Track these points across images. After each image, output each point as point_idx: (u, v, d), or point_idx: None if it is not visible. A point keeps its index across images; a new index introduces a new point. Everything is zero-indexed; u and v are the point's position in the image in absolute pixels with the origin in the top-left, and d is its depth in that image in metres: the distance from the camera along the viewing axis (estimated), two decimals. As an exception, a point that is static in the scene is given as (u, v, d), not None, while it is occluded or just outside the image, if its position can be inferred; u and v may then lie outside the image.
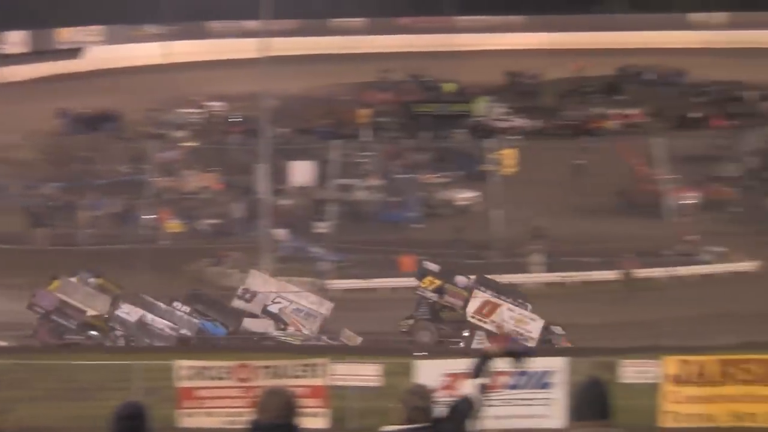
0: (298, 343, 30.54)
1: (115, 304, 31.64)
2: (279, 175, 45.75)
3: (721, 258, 39.74)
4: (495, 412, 21.24)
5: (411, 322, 31.55)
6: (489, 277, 31.71)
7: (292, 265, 40.12)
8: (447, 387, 19.88)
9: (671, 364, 22.64)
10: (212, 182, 49.38)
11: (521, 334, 29.11)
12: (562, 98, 68.68)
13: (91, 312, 31.52)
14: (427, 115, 59.65)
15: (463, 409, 6.98)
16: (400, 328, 31.77)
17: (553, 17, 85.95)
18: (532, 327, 29.39)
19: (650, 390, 22.52)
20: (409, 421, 6.69)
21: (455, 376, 19.58)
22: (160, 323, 31.03)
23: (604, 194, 46.78)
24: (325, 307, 32.15)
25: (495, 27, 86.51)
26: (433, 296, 31.25)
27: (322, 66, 66.22)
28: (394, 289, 37.83)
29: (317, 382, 23.12)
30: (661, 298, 35.00)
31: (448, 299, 31.13)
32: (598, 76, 71.91)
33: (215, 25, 75.95)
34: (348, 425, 22.95)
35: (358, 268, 39.05)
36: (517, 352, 7.24)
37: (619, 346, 28.72)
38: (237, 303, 32.10)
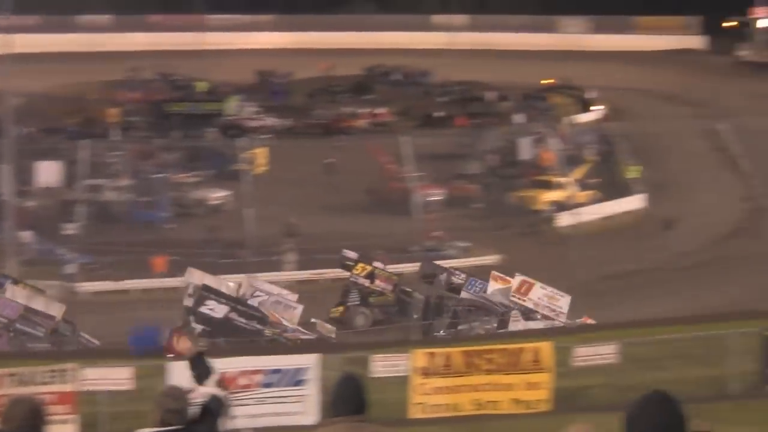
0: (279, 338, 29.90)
1: (199, 300, 30.08)
2: (24, 176, 44.34)
3: (465, 252, 41.26)
4: (248, 411, 21.47)
5: (341, 309, 32.20)
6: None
7: (38, 267, 38.99)
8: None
9: (419, 357, 23.39)
10: (-49, 184, 47.30)
11: (554, 311, 30.10)
12: (311, 97, 69.55)
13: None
14: (178, 114, 59.16)
15: (215, 409, 6.96)
16: (331, 314, 32.16)
17: (301, 17, 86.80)
18: (561, 303, 30.33)
19: (401, 383, 23.20)
20: (163, 424, 6.61)
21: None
22: (243, 319, 29.90)
23: (355, 192, 47.75)
24: (295, 298, 31.77)
25: (245, 26, 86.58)
26: (366, 281, 32.21)
27: (68, 64, 64.53)
28: (145, 291, 37.42)
29: (66, 388, 22.65)
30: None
31: (378, 284, 32.17)
32: (346, 76, 73.18)
33: (-48, 19, 72.69)
34: (99, 431, 22.61)
35: (109, 269, 38.39)
36: (201, 367, 7.23)
37: (369, 341, 29.52)
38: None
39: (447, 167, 49.96)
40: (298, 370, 23.13)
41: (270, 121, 62.01)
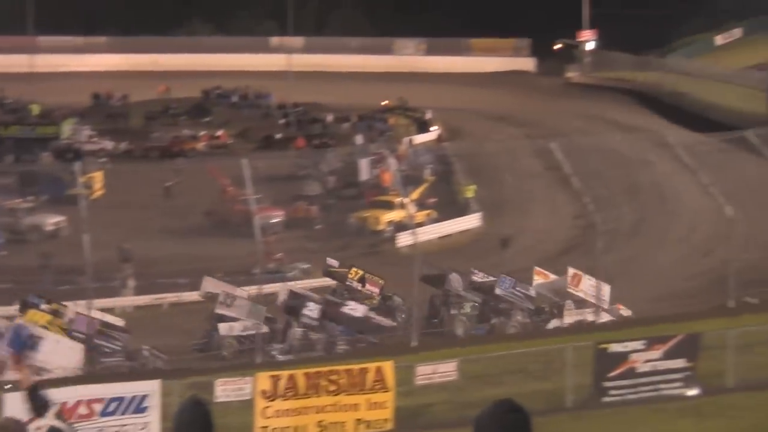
0: None
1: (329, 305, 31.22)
2: None
3: (307, 274, 41.35)
4: (90, 441, 21.12)
5: None
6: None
7: None
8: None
9: (263, 381, 23.38)
10: None
11: (599, 298, 31.55)
12: (149, 120, 68.76)
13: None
14: (11, 138, 57.67)
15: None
16: None
17: (137, 38, 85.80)
18: (604, 291, 31.62)
19: (245, 407, 23.14)
20: (-2, 458, 6.56)
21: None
22: (381, 317, 31.32)
23: (195, 215, 47.39)
24: None
25: (78, 47, 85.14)
26: (359, 286, 32.73)
27: None
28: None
29: None
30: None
31: (368, 287, 32.87)
32: (184, 98, 72.62)
33: None
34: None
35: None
36: (39, 400, 7.19)
37: (213, 366, 29.34)
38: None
39: (287, 189, 50.08)
40: (139, 397, 22.84)
41: (106, 144, 61.07)
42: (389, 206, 47.91)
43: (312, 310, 31.36)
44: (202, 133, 64.70)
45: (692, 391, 24.26)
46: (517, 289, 32.56)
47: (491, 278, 33.34)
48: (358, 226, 47.52)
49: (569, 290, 32.04)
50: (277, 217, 46.55)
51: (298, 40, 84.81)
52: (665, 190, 50.58)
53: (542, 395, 23.83)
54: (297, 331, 31.03)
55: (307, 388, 23.30)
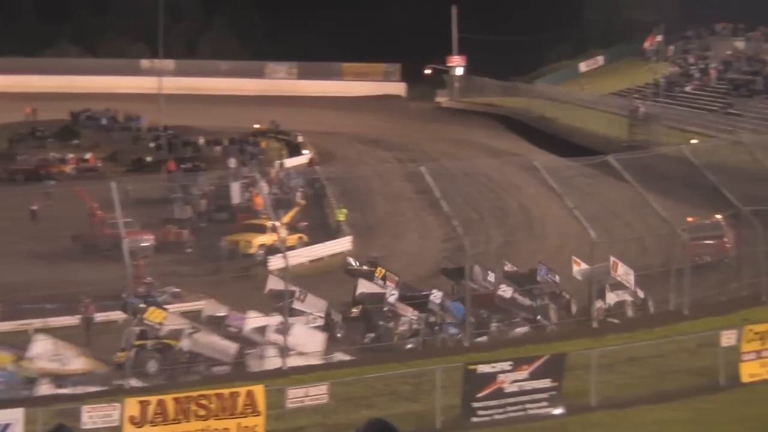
0: None
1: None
2: None
3: (177, 298, 41.06)
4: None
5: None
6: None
7: None
8: None
9: (131, 406, 23.15)
10: None
11: (630, 282, 33.08)
12: (14, 142, 67.47)
13: None
14: None
15: None
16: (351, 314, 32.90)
17: (2, 59, 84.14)
18: (630, 278, 33.13)
19: (113, 434, 22.88)
20: None
21: None
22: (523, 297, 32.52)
23: (62, 239, 46.62)
24: None
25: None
26: (381, 283, 33.38)
27: None
28: None
29: None
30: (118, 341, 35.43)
31: (388, 284, 33.47)
32: (52, 120, 71.44)
33: None
34: None
35: None
36: None
37: (79, 393, 28.89)
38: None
39: (157, 212, 49.66)
40: (1, 427, 22.38)
41: (-30, 167, 59.73)
42: (261, 230, 47.88)
43: (436, 296, 32.27)
44: (71, 156, 63.72)
45: (557, 410, 24.81)
46: (548, 276, 34.47)
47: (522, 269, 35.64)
48: (230, 250, 47.35)
49: (612, 275, 33.39)
50: (146, 240, 46.12)
51: (168, 63, 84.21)
52: (532, 213, 51.68)
53: (413, 417, 24.11)
54: (407, 318, 31.69)
55: (177, 413, 23.14)
